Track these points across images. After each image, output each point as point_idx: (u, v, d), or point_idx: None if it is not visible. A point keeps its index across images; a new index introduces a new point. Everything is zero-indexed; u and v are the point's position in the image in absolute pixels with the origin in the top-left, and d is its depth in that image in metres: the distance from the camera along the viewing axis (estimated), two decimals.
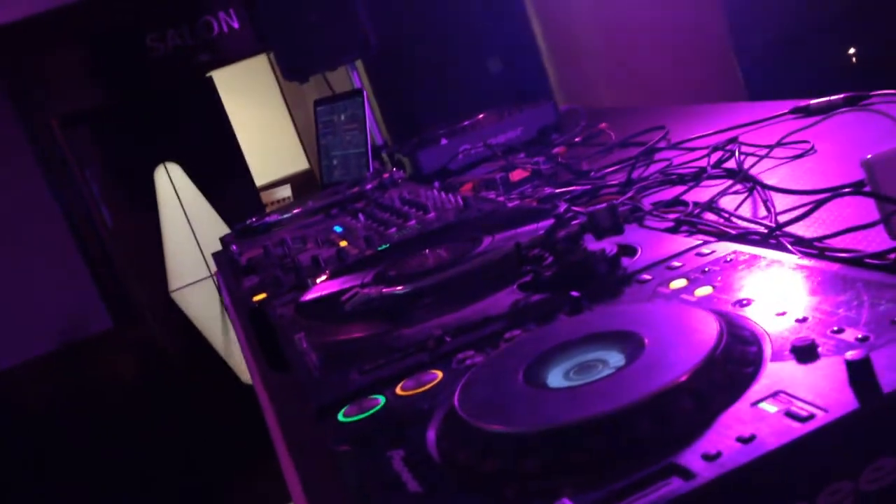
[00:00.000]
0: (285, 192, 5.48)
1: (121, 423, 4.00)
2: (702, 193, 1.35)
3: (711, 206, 1.25)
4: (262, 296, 1.22)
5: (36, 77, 4.07)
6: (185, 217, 4.39)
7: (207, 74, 4.32)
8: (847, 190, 0.94)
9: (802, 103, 1.63)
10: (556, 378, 0.67)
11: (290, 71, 2.84)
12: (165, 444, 3.92)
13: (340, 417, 0.77)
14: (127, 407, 4.07)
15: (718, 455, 0.52)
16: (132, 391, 4.13)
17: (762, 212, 1.19)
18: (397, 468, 0.64)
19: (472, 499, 0.57)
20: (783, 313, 0.67)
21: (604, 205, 0.94)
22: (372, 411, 0.76)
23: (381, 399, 0.77)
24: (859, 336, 0.59)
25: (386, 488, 0.61)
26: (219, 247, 2.24)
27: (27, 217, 4.12)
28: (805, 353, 0.59)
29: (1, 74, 4.04)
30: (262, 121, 5.74)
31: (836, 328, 0.62)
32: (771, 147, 1.41)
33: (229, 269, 1.76)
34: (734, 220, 1.18)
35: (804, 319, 0.65)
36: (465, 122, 2.34)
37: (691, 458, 0.52)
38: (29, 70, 4.06)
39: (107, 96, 4.15)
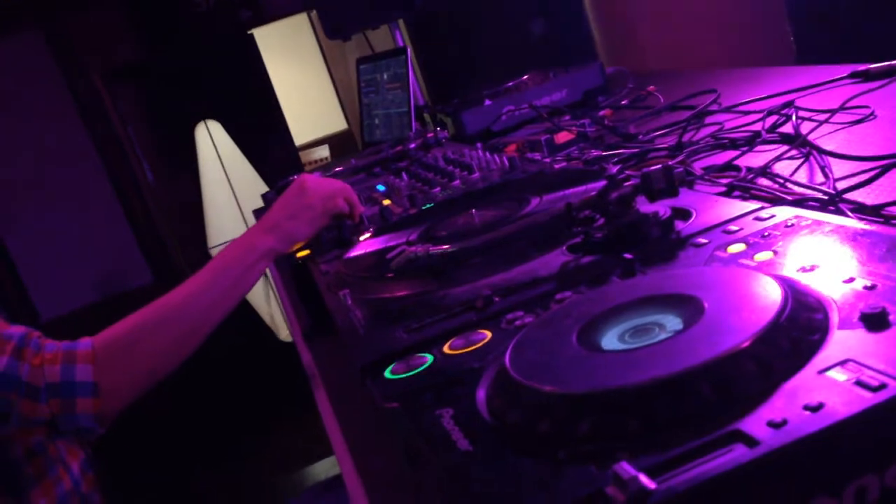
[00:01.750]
0: (324, 152, 5.49)
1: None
2: (755, 159, 1.31)
3: (766, 171, 1.21)
4: (305, 252, 1.22)
5: (79, 32, 4.09)
6: (225, 174, 4.41)
7: (249, 32, 4.31)
8: None
9: (861, 67, 1.57)
10: (611, 341, 0.65)
11: (333, 29, 2.81)
12: (203, 401, 3.98)
13: (388, 374, 0.76)
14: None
15: (784, 423, 0.50)
16: None
17: (819, 178, 1.16)
18: (447, 426, 0.63)
19: (524, 459, 0.56)
20: (850, 280, 0.64)
21: (658, 166, 0.91)
22: (420, 369, 0.75)
23: (429, 357, 0.76)
24: None
25: (436, 446, 0.61)
26: (257, 205, 2.24)
27: (71, 173, 4.17)
28: (875, 320, 0.57)
29: (44, 30, 4.06)
30: (302, 80, 5.72)
31: None
32: (832, 112, 1.37)
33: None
34: (790, 185, 1.14)
35: (873, 287, 0.62)
36: (510, 83, 2.30)
37: (755, 426, 0.51)
38: (72, 25, 4.08)
39: (149, 52, 4.17)
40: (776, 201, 1.05)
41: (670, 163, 1.25)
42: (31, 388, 1.06)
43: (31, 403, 1.06)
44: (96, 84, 4.14)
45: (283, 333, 4.34)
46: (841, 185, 1.07)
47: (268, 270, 2.40)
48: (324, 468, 3.44)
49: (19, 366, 1.06)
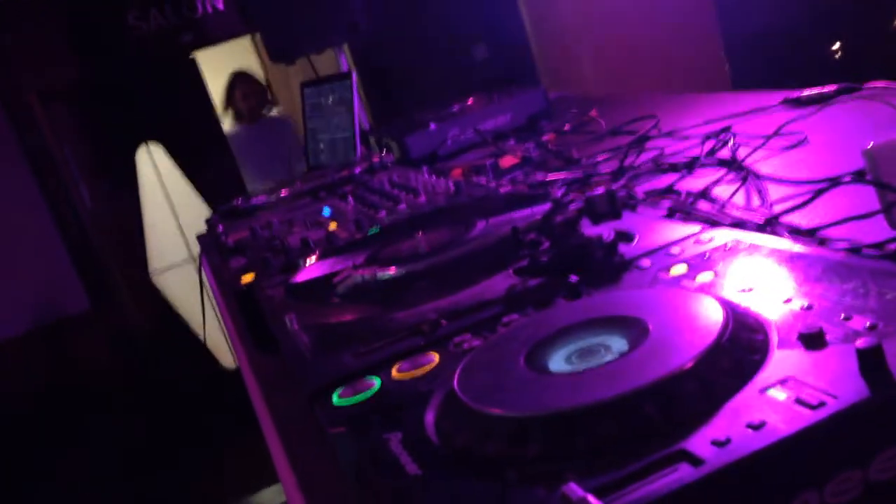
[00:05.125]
0: None
1: (97, 407, 3.96)
2: (694, 183, 1.34)
3: (705, 195, 1.24)
4: (250, 277, 1.20)
5: (15, 52, 4.00)
6: (167, 198, 4.34)
7: (191, 55, 4.27)
8: (847, 179, 0.94)
9: (794, 94, 1.63)
10: (557, 362, 0.66)
11: (277, 53, 2.80)
12: (143, 428, 3.89)
13: (335, 400, 0.75)
14: (103, 390, 4.02)
15: (728, 441, 0.51)
16: (108, 374, 4.08)
17: (756, 202, 1.19)
18: (395, 450, 0.62)
19: (472, 482, 0.56)
20: (788, 301, 0.66)
21: (601, 190, 0.93)
22: (368, 393, 0.74)
23: (377, 381, 0.76)
24: (868, 324, 0.59)
25: (384, 470, 0.60)
26: (200, 229, 2.21)
27: (4, 195, 4.06)
28: (813, 340, 0.58)
29: None
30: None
31: (843, 316, 0.61)
32: (768, 137, 1.41)
33: (215, 251, 1.74)
34: (728, 209, 1.17)
35: (810, 307, 0.64)
36: (454, 108, 2.32)
37: (700, 445, 0.52)
38: (8, 45, 3.99)
39: (88, 74, 4.09)
40: (715, 224, 1.08)
41: (613, 186, 1.27)
42: None
43: None
44: (31, 103, 4.04)
45: (226, 360, 4.27)
46: (777, 209, 1.10)
47: (211, 296, 2.37)
48: (269, 497, 3.38)
49: None
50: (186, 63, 4.23)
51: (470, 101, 2.38)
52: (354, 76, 2.29)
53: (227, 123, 4.56)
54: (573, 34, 3.33)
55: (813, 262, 0.72)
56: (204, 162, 4.33)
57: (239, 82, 4.59)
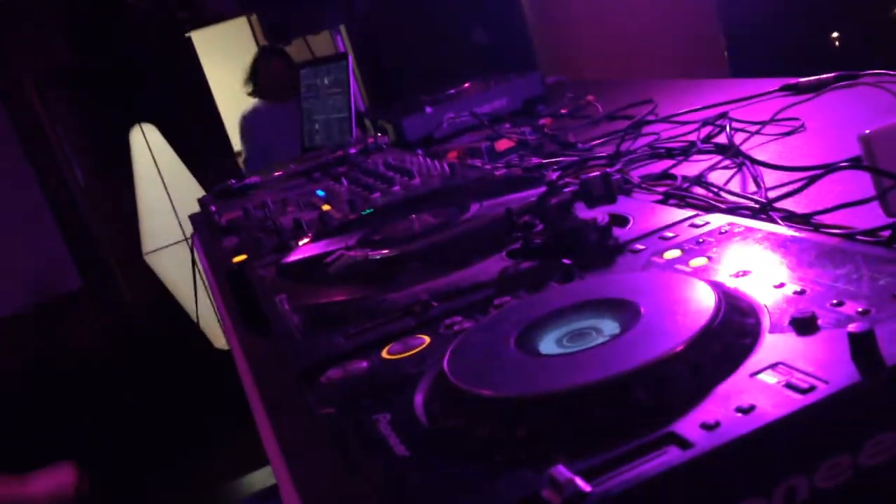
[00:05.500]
0: None
1: (90, 386, 3.96)
2: (690, 168, 1.33)
3: (700, 180, 1.24)
4: (242, 257, 1.20)
5: (9, 33, 3.97)
6: (161, 179, 4.32)
7: (187, 35, 4.24)
8: (843, 165, 0.93)
9: (792, 81, 1.62)
10: (548, 345, 0.65)
11: (274, 32, 2.79)
12: (135, 407, 3.89)
13: (324, 381, 0.75)
14: (96, 369, 4.02)
15: (717, 425, 0.51)
16: (101, 353, 4.08)
17: (752, 188, 1.19)
18: (384, 431, 0.62)
19: (461, 463, 0.56)
20: (781, 285, 0.66)
21: (596, 173, 0.92)
22: (358, 374, 0.74)
23: (367, 362, 0.76)
24: (860, 309, 0.58)
25: (372, 451, 0.60)
26: (194, 210, 2.20)
27: None
28: (805, 325, 0.58)
29: None
30: (241, 85, 5.65)
31: (835, 301, 0.61)
32: (763, 123, 1.40)
33: (207, 231, 1.73)
34: (724, 194, 1.17)
35: (802, 292, 0.64)
36: (451, 91, 2.31)
37: (689, 428, 0.51)
38: (2, 25, 3.96)
39: (83, 54, 4.06)
40: (710, 209, 1.07)
41: (608, 171, 1.27)
42: None
43: None
44: (25, 83, 4.02)
45: (220, 342, 4.27)
46: (772, 195, 1.10)
47: (203, 278, 2.38)
48: (261, 478, 3.39)
49: None
50: (182, 43, 4.20)
51: (466, 84, 2.36)
52: (350, 57, 2.28)
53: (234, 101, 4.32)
54: (572, 19, 3.32)
55: (806, 248, 0.72)
56: (198, 143, 4.31)
57: (276, 57, 4.17)
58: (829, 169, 1.00)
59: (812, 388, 0.51)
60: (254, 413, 1.01)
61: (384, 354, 0.76)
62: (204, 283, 3.64)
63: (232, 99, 5.16)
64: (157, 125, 4.27)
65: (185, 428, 3.88)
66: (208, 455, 3.75)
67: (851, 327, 0.52)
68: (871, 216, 0.89)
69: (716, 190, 1.18)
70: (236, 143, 4.50)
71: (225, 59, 5.51)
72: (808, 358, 0.55)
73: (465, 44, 3.57)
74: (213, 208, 1.62)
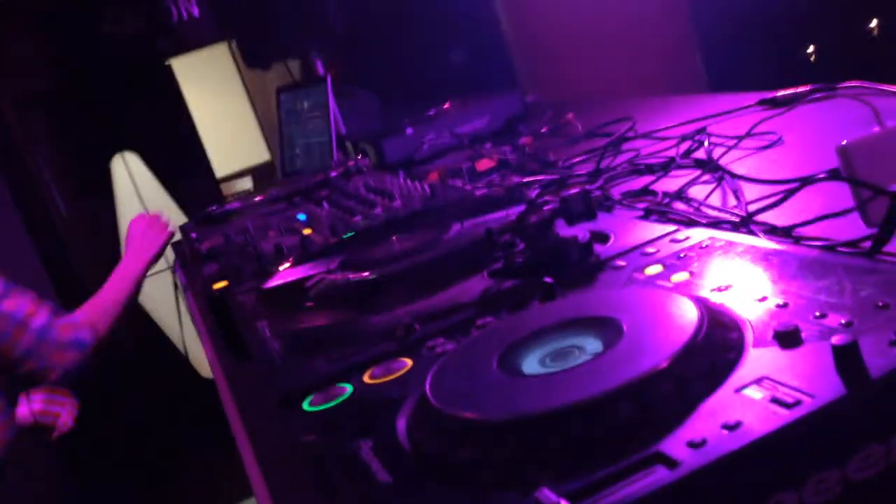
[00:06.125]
0: (246, 184, 5.39)
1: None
2: (670, 184, 1.34)
3: (681, 195, 1.24)
4: (222, 283, 1.19)
5: None
6: (143, 207, 4.29)
7: (167, 62, 4.23)
8: (822, 176, 0.93)
9: (769, 95, 1.63)
10: (531, 365, 0.64)
11: (253, 58, 2.79)
12: (120, 439, 3.83)
13: (306, 406, 0.74)
14: (80, 400, 3.96)
15: (704, 443, 0.50)
16: (85, 383, 4.02)
17: (732, 202, 1.19)
18: (366, 458, 0.61)
19: (445, 489, 0.55)
20: (763, 299, 0.65)
21: (576, 190, 0.92)
22: (339, 400, 0.73)
23: (349, 387, 0.75)
24: (843, 321, 0.58)
25: (354, 479, 0.59)
26: (177, 237, 2.18)
27: None
28: (788, 338, 0.57)
29: None
30: (223, 111, 5.63)
31: (818, 313, 0.60)
32: (740, 138, 1.41)
33: (189, 258, 1.72)
34: (704, 209, 1.17)
35: (785, 305, 0.63)
36: (431, 112, 2.31)
37: (675, 446, 0.50)
38: None
39: (62, 81, 4.04)
40: (691, 224, 1.07)
41: (589, 188, 1.27)
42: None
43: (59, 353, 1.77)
44: (4, 109, 3.99)
45: (205, 370, 4.23)
46: (752, 208, 1.10)
47: (184, 307, 2.40)
48: None
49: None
50: (162, 70, 4.19)
51: (447, 104, 2.37)
52: (329, 80, 2.28)
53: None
54: (550, 36, 3.33)
55: (788, 260, 0.71)
56: (181, 170, 4.28)
57: None
58: (808, 181, 1.00)
59: (798, 403, 0.50)
60: (237, 441, 1.00)
61: (366, 379, 0.75)
62: (187, 311, 3.60)
63: (213, 125, 5.14)
64: (139, 153, 4.25)
65: (168, 457, 3.83)
66: (193, 484, 3.70)
67: (835, 340, 0.52)
68: (852, 227, 0.88)
69: (696, 205, 1.18)
70: (218, 169, 4.48)
71: (205, 85, 5.50)
72: (793, 372, 0.54)
73: (446, 64, 3.58)
74: (194, 235, 1.61)
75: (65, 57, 4.05)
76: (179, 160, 4.27)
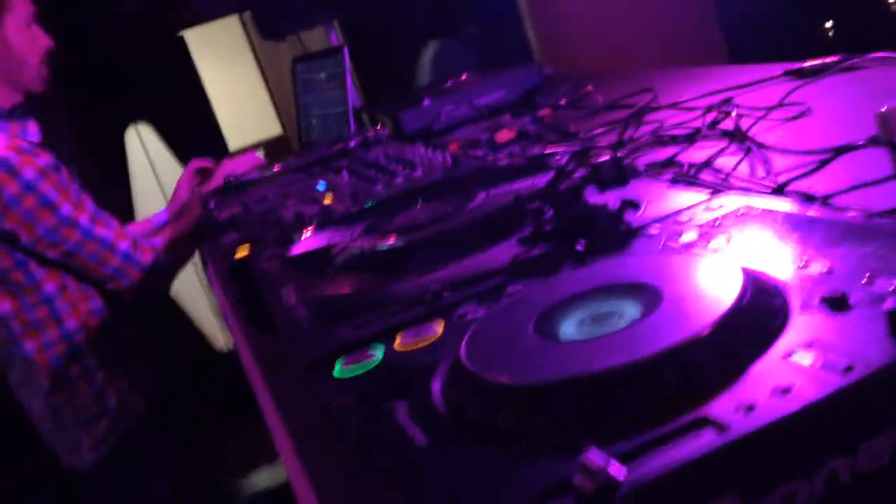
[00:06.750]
0: (260, 155, 5.38)
1: None
2: (695, 155, 1.32)
3: (708, 165, 1.22)
4: (244, 251, 1.18)
5: None
6: (157, 179, 4.29)
7: (179, 34, 4.20)
8: (861, 144, 0.92)
9: (795, 66, 1.60)
10: (569, 330, 0.63)
11: (267, 30, 2.76)
12: (140, 407, 3.84)
13: (336, 373, 0.73)
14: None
15: (753, 407, 0.49)
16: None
17: (761, 173, 1.17)
18: (401, 421, 0.60)
19: (485, 453, 0.54)
20: (806, 265, 0.64)
21: (607, 156, 0.90)
22: (369, 365, 0.72)
23: (379, 353, 0.74)
24: (893, 287, 0.57)
25: (391, 442, 0.58)
26: None
27: None
28: (837, 304, 0.56)
29: None
30: (235, 84, 5.60)
31: (865, 280, 0.59)
32: (770, 108, 1.38)
33: (207, 228, 1.71)
34: (732, 180, 1.15)
35: (830, 271, 0.62)
36: (448, 83, 2.29)
37: (723, 411, 0.49)
38: None
39: (75, 54, 4.03)
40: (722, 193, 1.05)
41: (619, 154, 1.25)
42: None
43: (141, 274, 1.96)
44: None
45: (220, 342, 4.24)
46: (782, 179, 1.08)
47: (203, 277, 2.44)
48: (270, 476, 3.36)
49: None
50: (174, 43, 4.17)
51: (464, 76, 2.34)
52: (346, 50, 2.25)
53: None
54: (567, 8, 3.30)
55: (829, 227, 0.70)
56: (194, 143, 4.27)
57: None
58: (845, 149, 0.98)
59: (850, 368, 0.49)
60: (262, 409, 0.99)
61: (396, 345, 0.74)
62: (202, 283, 3.59)
63: (225, 98, 5.12)
64: (153, 125, 4.24)
65: (190, 428, 3.84)
66: (216, 453, 3.71)
67: (888, 304, 0.51)
68: (887, 195, 0.87)
69: (724, 176, 1.17)
70: (230, 142, 4.46)
71: (218, 57, 5.47)
72: (843, 337, 0.53)
73: (463, 35, 3.55)
74: (212, 204, 1.60)
75: (77, 30, 4.03)
76: (193, 132, 4.26)
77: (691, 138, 1.39)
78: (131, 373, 2.12)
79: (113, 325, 2.08)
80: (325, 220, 1.23)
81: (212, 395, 3.32)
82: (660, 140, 1.45)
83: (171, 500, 2.20)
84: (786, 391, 0.49)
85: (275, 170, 1.79)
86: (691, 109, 1.57)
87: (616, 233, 0.84)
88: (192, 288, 4.00)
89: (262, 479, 3.30)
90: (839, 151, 1.00)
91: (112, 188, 4.23)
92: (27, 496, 3.14)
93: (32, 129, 2.06)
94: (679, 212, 0.85)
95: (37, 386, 2.00)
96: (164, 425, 2.20)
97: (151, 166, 4.28)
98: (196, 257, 2.26)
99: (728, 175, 1.17)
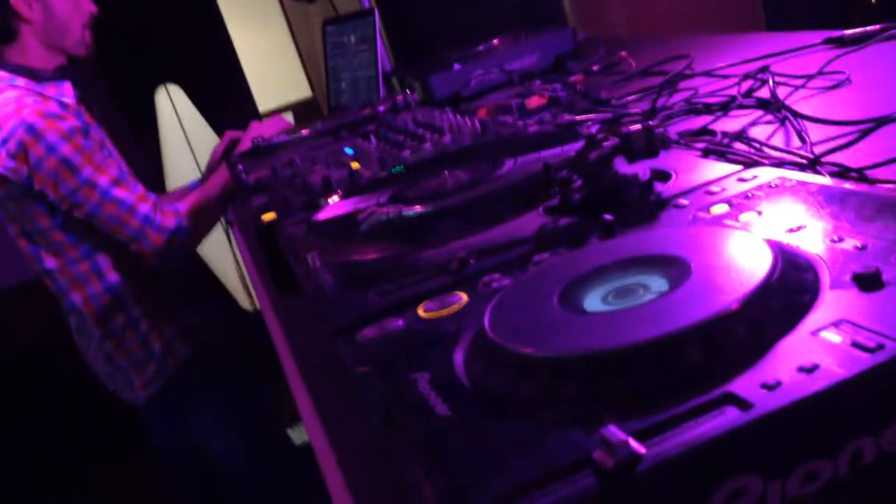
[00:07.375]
0: (288, 119, 5.38)
1: None
2: (730, 124, 1.29)
3: (742, 135, 1.19)
4: (271, 215, 1.18)
5: None
6: (187, 140, 4.31)
7: None
8: None
9: (836, 33, 1.56)
10: (594, 302, 0.63)
11: None
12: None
13: (359, 339, 0.73)
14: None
15: (778, 385, 0.48)
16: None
17: (796, 143, 1.14)
18: (423, 391, 0.60)
19: (506, 424, 0.54)
20: (840, 240, 0.63)
21: (638, 126, 0.89)
22: (393, 332, 0.72)
23: (403, 320, 0.73)
24: None
25: (413, 410, 0.58)
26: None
27: None
28: (869, 281, 0.55)
29: None
30: (265, 46, 5.59)
31: None
32: (809, 76, 1.35)
33: (235, 191, 1.71)
34: (767, 150, 1.13)
35: (864, 247, 0.61)
36: (479, 47, 2.26)
37: (748, 388, 0.49)
38: None
39: (105, 13, 4.03)
40: (754, 165, 1.03)
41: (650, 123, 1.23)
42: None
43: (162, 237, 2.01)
44: None
45: (247, 303, 4.28)
46: (819, 150, 1.06)
47: (232, 237, 2.46)
48: (293, 436, 3.40)
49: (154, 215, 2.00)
50: (207, 3, 4.16)
51: (495, 41, 2.31)
52: (377, 13, 2.23)
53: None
54: None
55: (865, 201, 0.68)
56: (224, 105, 4.28)
57: None
58: (886, 120, 0.95)
59: (880, 347, 0.48)
60: (286, 373, 1.00)
61: (420, 313, 0.74)
62: (231, 245, 3.62)
63: (255, 60, 5.12)
64: (183, 86, 4.25)
65: (213, 389, 3.89)
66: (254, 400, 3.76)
67: None
68: None
69: (758, 146, 1.14)
70: (260, 104, 4.46)
71: (249, 19, 5.46)
72: (874, 315, 0.52)
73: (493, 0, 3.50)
74: (241, 167, 1.60)
75: None
76: (223, 94, 4.26)
77: (726, 107, 1.37)
78: (172, 322, 2.23)
79: (151, 280, 2.20)
80: (352, 185, 1.23)
81: (239, 354, 3.36)
82: (693, 108, 1.43)
83: (222, 422, 2.36)
84: (812, 369, 0.48)
85: (303, 133, 1.78)
86: (727, 77, 1.54)
87: (645, 204, 0.82)
88: (220, 250, 4.03)
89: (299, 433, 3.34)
90: (879, 123, 0.98)
91: (144, 146, 4.26)
92: (98, 426, 3.30)
93: (67, 90, 2.09)
94: (710, 183, 0.84)
95: (90, 333, 2.15)
96: (206, 368, 2.35)
97: (181, 126, 4.29)
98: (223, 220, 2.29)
99: (762, 145, 1.15)
